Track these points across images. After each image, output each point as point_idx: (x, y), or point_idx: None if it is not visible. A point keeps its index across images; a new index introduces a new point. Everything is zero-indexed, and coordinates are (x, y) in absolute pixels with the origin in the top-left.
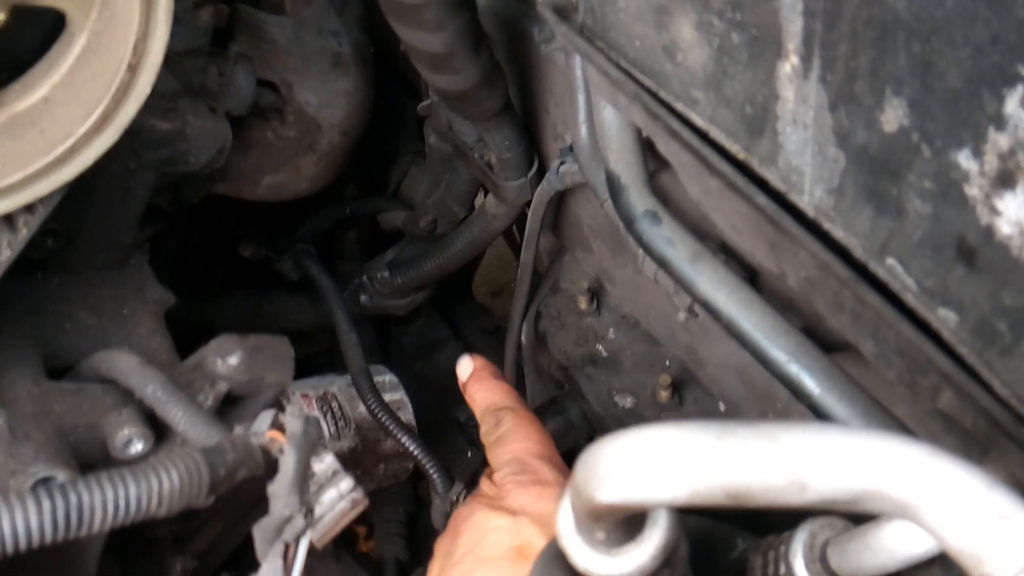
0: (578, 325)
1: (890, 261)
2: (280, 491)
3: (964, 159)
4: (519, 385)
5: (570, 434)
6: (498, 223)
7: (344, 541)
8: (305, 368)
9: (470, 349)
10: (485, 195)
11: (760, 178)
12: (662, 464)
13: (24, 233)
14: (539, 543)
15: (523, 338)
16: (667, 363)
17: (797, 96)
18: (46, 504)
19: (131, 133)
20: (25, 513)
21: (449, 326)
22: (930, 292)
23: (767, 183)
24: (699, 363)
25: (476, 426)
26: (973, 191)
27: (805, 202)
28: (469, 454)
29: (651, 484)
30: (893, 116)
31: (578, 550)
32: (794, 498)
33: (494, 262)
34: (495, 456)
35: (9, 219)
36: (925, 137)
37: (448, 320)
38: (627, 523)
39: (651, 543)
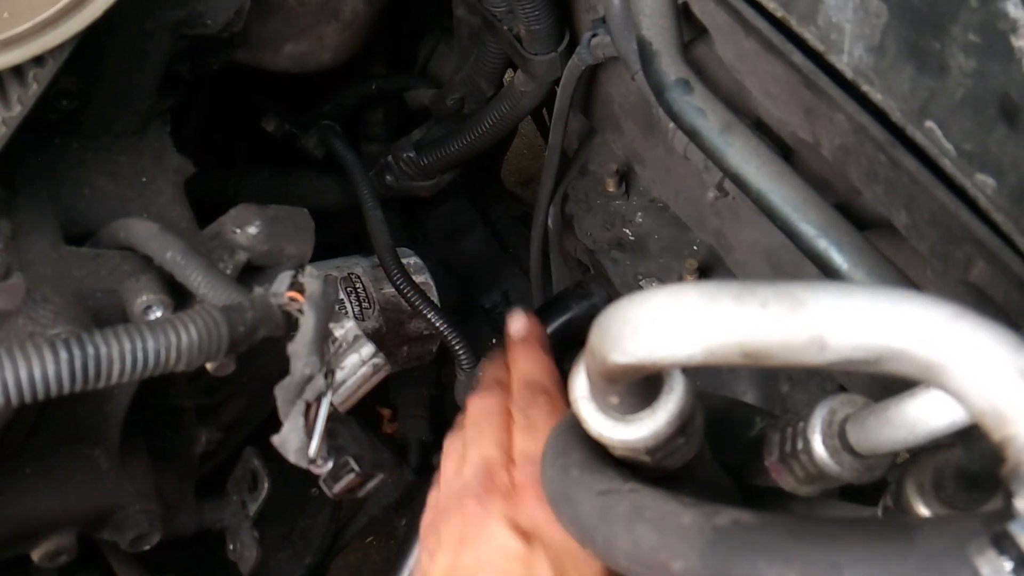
0: (605, 208)
1: (929, 124)
2: (300, 350)
3: (1013, 7)
4: (544, 269)
5: (594, 319)
6: (527, 101)
7: (368, 423)
8: (330, 252)
9: (497, 235)
10: (514, 72)
11: (798, 38)
12: (676, 322)
13: (35, 88)
14: None
15: (550, 221)
16: (695, 248)
17: None
18: (63, 353)
19: None
20: (42, 361)
21: (476, 211)
22: (969, 156)
23: (805, 43)
24: (727, 247)
25: (501, 312)
26: (1021, 42)
27: (844, 62)
28: (493, 340)
29: (665, 343)
30: None
31: (592, 416)
32: (813, 358)
33: (524, 151)
34: (521, 443)
35: (19, 72)
36: None
37: (475, 205)
38: (642, 389)
39: (665, 409)
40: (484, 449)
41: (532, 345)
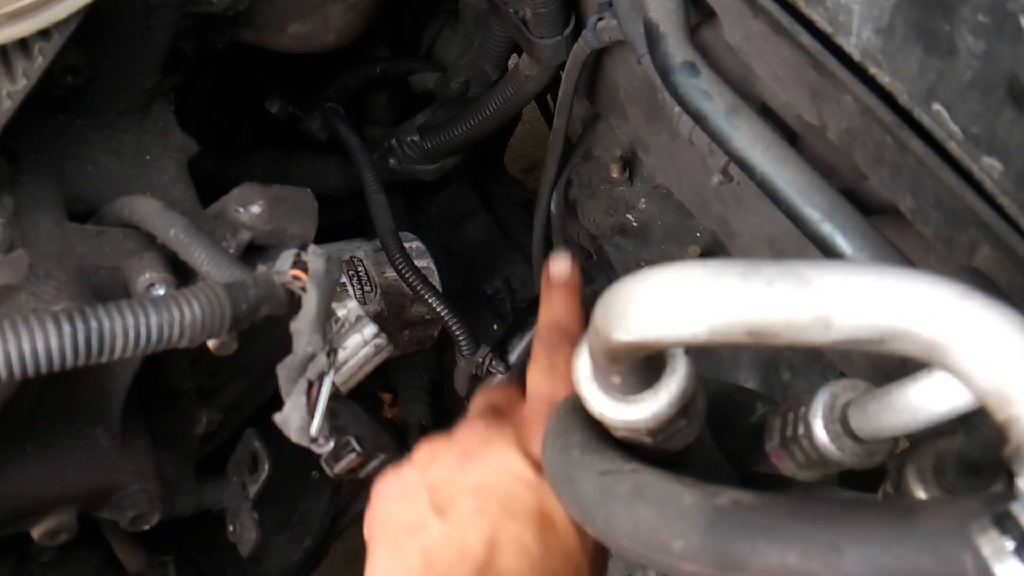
0: (609, 194)
1: (936, 107)
2: (303, 328)
3: None
4: (547, 254)
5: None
6: (532, 85)
7: (369, 407)
8: (332, 236)
9: (500, 221)
10: (520, 56)
11: (806, 19)
12: (681, 299)
13: (40, 62)
14: (563, 518)
15: (553, 207)
16: (697, 235)
17: None
18: (66, 327)
19: None
20: (45, 334)
21: (479, 197)
22: (975, 139)
23: (813, 24)
24: (730, 234)
25: (503, 299)
26: None
27: (852, 44)
28: (495, 327)
29: (669, 321)
30: None
31: (594, 396)
32: (818, 337)
33: (527, 138)
34: (538, 384)
35: (24, 45)
36: None
37: (478, 191)
38: (644, 370)
39: (668, 390)
40: (494, 389)
41: (569, 290)
